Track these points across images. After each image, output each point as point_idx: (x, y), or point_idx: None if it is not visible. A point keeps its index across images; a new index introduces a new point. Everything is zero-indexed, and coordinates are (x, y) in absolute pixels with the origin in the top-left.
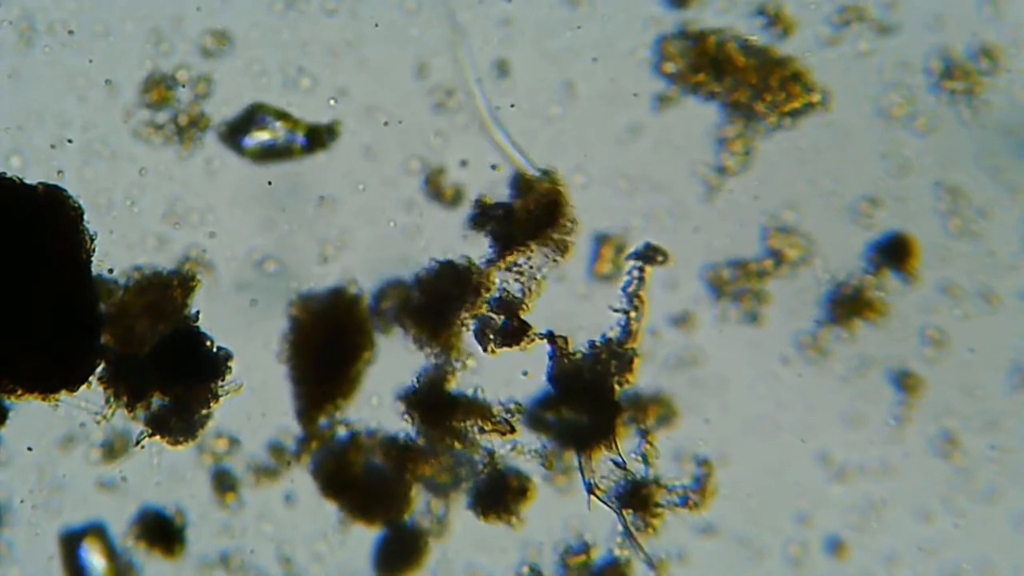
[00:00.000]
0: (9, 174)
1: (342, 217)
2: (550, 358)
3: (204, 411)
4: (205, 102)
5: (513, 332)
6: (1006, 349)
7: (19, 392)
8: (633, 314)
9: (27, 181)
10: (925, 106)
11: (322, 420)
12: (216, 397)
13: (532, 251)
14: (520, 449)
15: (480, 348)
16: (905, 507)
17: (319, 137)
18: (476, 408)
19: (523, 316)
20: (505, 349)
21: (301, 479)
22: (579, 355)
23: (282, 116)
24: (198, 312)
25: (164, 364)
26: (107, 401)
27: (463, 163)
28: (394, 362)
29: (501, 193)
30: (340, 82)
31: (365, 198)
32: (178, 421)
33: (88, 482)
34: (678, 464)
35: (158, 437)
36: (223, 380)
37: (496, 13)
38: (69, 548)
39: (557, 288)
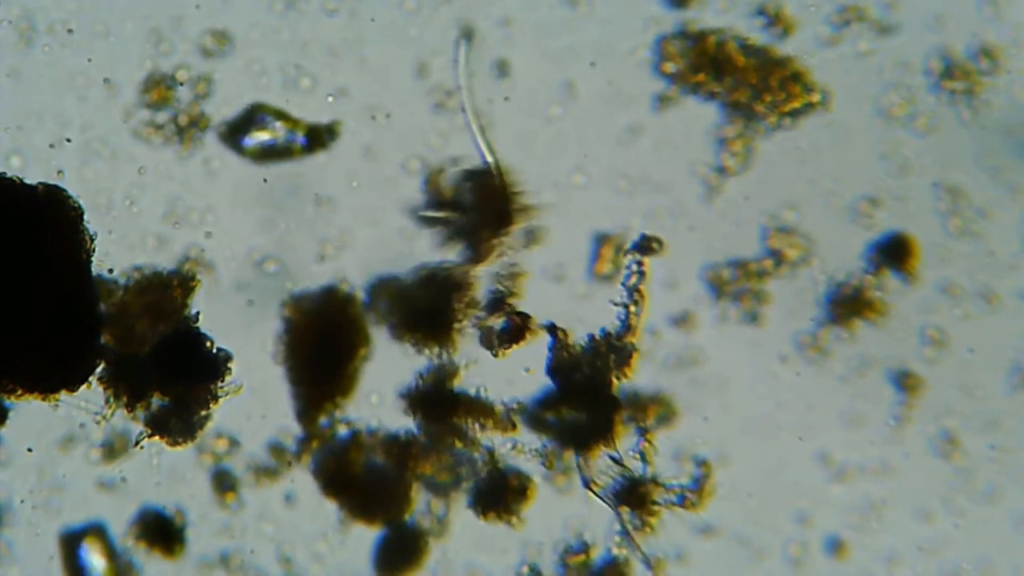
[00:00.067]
0: (9, 174)
1: (342, 217)
2: (549, 350)
3: (204, 412)
4: (205, 102)
5: (515, 330)
6: (1006, 349)
7: (19, 392)
8: (633, 308)
9: (27, 181)
10: (925, 106)
11: (322, 420)
12: (216, 398)
13: (500, 246)
14: (520, 448)
15: (490, 354)
16: (905, 507)
17: (319, 137)
18: (478, 407)
19: (519, 310)
20: (514, 348)
21: (301, 479)
22: (578, 348)
23: (282, 116)
24: (198, 312)
25: (164, 364)
26: (107, 401)
27: (458, 162)
28: (393, 359)
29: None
30: (340, 82)
31: (365, 198)
32: (178, 421)
33: (88, 482)
34: (677, 464)
35: (158, 437)
36: (223, 381)
37: (496, 13)
38: (69, 548)
39: (557, 288)
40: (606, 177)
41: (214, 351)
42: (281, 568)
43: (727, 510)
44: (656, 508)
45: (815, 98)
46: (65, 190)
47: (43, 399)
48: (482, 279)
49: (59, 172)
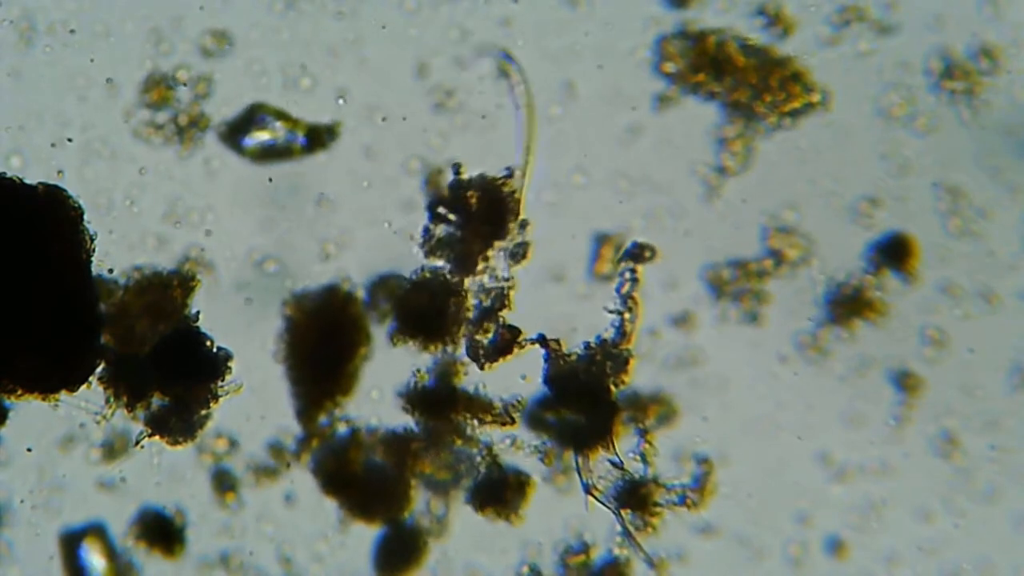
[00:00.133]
0: (9, 174)
1: (342, 217)
2: (545, 361)
3: (204, 411)
4: (205, 102)
5: (503, 345)
6: (1006, 349)
7: (19, 392)
8: (627, 315)
9: (27, 181)
10: (925, 106)
11: (322, 418)
12: (216, 397)
13: (491, 259)
14: (519, 444)
15: (476, 367)
16: (905, 507)
17: (319, 137)
18: (477, 403)
19: (510, 324)
20: (501, 362)
21: (301, 479)
22: (574, 356)
23: (282, 116)
24: (198, 312)
25: (164, 364)
26: (107, 401)
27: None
28: (393, 357)
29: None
30: (340, 82)
31: (365, 198)
32: (178, 421)
33: (88, 482)
34: (677, 464)
35: (158, 437)
36: (223, 380)
37: (496, 13)
38: (69, 548)
39: (557, 288)
40: (606, 177)
41: (214, 351)
42: (281, 568)
43: (727, 510)
44: (658, 509)
45: (815, 98)
46: (65, 190)
47: (43, 399)
48: (473, 290)
49: (59, 172)
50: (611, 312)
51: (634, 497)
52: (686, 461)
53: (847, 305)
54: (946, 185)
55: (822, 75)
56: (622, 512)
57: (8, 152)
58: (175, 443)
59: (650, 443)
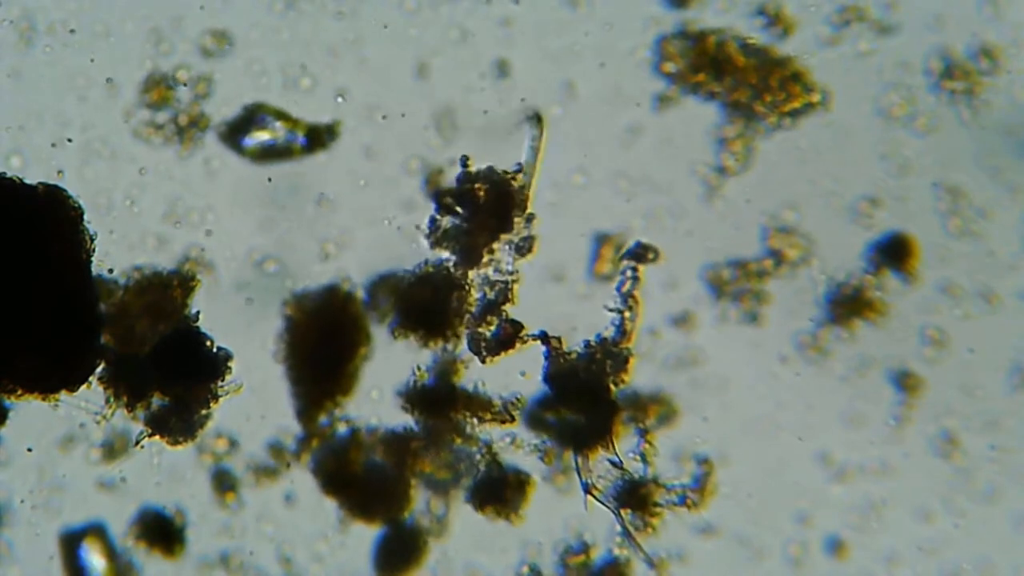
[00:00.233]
0: (9, 174)
1: (342, 217)
2: (545, 358)
3: (204, 411)
4: (205, 102)
5: (505, 339)
6: (1006, 349)
7: (19, 392)
8: (627, 314)
9: (27, 181)
10: (925, 106)
11: (322, 418)
12: (216, 397)
13: (496, 252)
14: (519, 443)
15: (478, 360)
16: (905, 507)
17: (319, 137)
18: (476, 401)
19: (512, 318)
20: (503, 356)
21: (301, 479)
22: (574, 355)
23: (282, 116)
24: (198, 312)
25: (164, 364)
26: (107, 401)
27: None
28: (392, 357)
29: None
30: (340, 82)
31: (365, 198)
32: (178, 421)
33: (88, 482)
34: (678, 463)
35: (158, 437)
36: (223, 380)
37: (497, 13)
38: (69, 548)
39: (557, 288)
40: (606, 177)
41: (214, 350)
42: (281, 568)
43: (727, 510)
44: (658, 509)
45: (815, 98)
46: (65, 190)
47: (43, 399)
48: (477, 282)
49: (59, 172)
50: (611, 311)
51: (634, 497)
52: (686, 461)
53: (847, 305)
54: (946, 185)
55: (822, 75)
56: (622, 512)
57: (8, 152)
58: (175, 443)
59: (650, 443)
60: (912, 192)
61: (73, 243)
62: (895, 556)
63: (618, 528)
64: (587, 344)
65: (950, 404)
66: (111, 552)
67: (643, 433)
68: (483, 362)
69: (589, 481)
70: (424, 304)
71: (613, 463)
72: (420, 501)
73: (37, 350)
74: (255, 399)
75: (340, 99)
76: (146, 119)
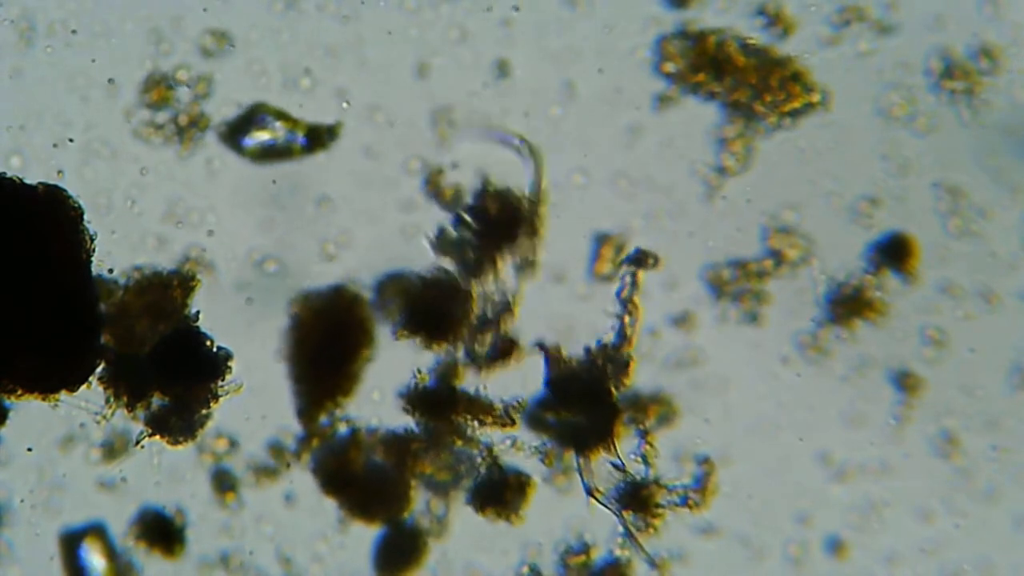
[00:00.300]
0: (9, 174)
1: (342, 217)
2: (545, 367)
3: (204, 411)
4: (205, 102)
5: (499, 357)
6: (1006, 349)
7: (19, 392)
8: (628, 319)
9: (27, 181)
10: (925, 106)
11: (323, 418)
12: (216, 397)
13: (500, 270)
14: (520, 445)
15: (474, 373)
16: (905, 507)
17: (319, 137)
18: (477, 405)
19: (508, 336)
20: (499, 370)
21: (301, 479)
22: (575, 361)
23: (282, 116)
24: (198, 312)
25: (164, 364)
26: (107, 401)
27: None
28: (395, 358)
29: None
30: (340, 82)
31: (365, 198)
32: (178, 421)
33: (88, 482)
34: (678, 464)
35: (158, 437)
36: (223, 380)
37: (497, 14)
38: (69, 548)
39: (557, 289)
40: (606, 177)
41: (214, 350)
42: (281, 568)
43: (728, 510)
44: (660, 510)
45: (815, 98)
46: (65, 190)
47: (43, 399)
48: (479, 297)
49: (59, 172)
50: (611, 316)
51: (636, 499)
52: (687, 462)
53: (847, 305)
54: (946, 185)
55: (822, 75)
56: (624, 514)
57: (8, 152)
58: (175, 443)
59: (651, 444)
60: (912, 192)
61: (73, 243)
62: (895, 556)
63: (620, 529)
64: (588, 350)
65: (950, 404)
66: (111, 552)
67: (643, 434)
68: (479, 375)
69: (592, 484)
70: (430, 307)
71: (615, 466)
72: (420, 501)
73: (37, 350)
74: (255, 399)
75: (345, 104)
76: (146, 119)
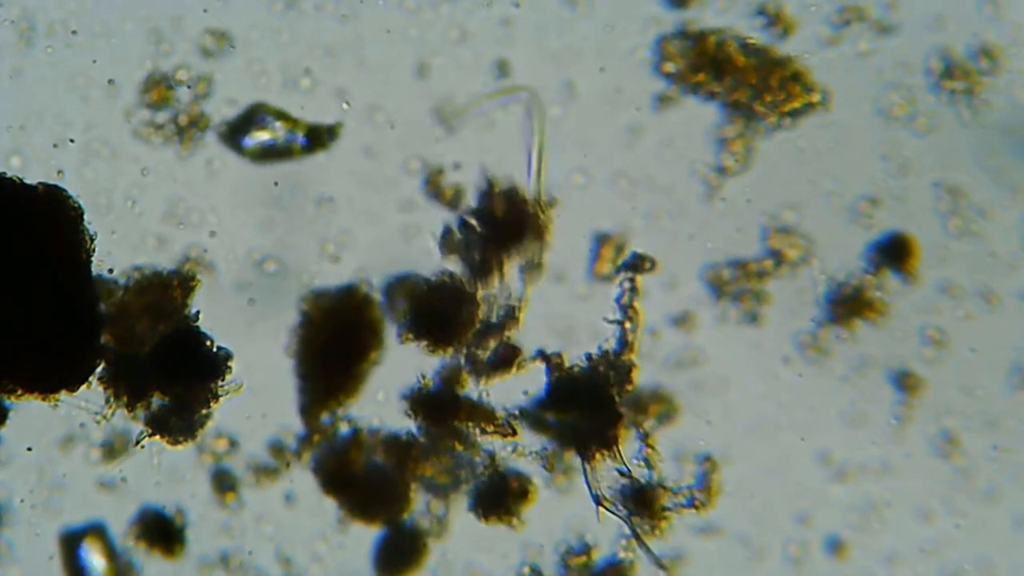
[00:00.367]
0: (9, 174)
1: (342, 217)
2: (547, 375)
3: (204, 411)
4: (205, 102)
5: (500, 364)
6: (1006, 349)
7: (19, 392)
8: (628, 325)
9: (27, 181)
10: (925, 106)
11: (325, 417)
12: (216, 397)
13: (505, 273)
14: (521, 451)
15: (475, 381)
16: (905, 507)
17: (319, 137)
18: (480, 411)
19: (511, 343)
20: (499, 379)
21: (301, 479)
22: (576, 368)
23: (282, 116)
24: (198, 312)
25: (164, 364)
26: (107, 401)
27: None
28: (400, 361)
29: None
30: (340, 82)
31: (365, 198)
32: (178, 421)
33: (88, 482)
34: (679, 464)
35: (158, 437)
36: (223, 380)
37: (497, 13)
38: (69, 548)
39: (557, 289)
40: (606, 177)
41: (214, 350)
42: (281, 568)
43: (728, 510)
44: (666, 513)
45: (815, 98)
46: (65, 190)
47: (43, 399)
48: (483, 301)
49: (59, 172)
50: (611, 323)
51: (642, 503)
52: (687, 462)
53: (847, 305)
54: (946, 185)
55: (822, 75)
56: (632, 520)
57: (8, 152)
58: (175, 443)
59: (652, 446)
60: (912, 192)
61: (73, 243)
62: (895, 556)
63: (625, 531)
64: (589, 357)
65: (950, 404)
66: (111, 552)
67: (644, 437)
68: (478, 384)
69: (599, 492)
70: (436, 312)
71: (620, 472)
72: (420, 502)
73: (37, 350)
74: (255, 399)
75: (345, 106)
76: (146, 119)
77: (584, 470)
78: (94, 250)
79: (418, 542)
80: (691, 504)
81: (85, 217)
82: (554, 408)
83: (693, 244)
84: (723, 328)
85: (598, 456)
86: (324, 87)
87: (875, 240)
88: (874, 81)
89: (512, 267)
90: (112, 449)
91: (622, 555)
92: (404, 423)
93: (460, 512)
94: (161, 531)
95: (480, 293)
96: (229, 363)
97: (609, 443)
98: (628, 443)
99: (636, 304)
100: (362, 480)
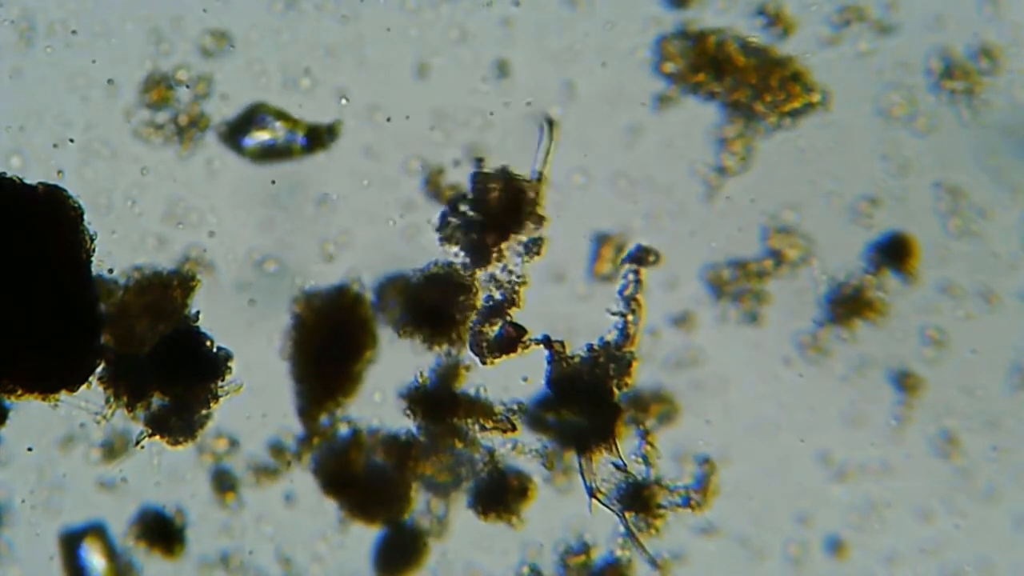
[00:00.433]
0: (9, 174)
1: (342, 217)
2: (548, 363)
3: (204, 411)
4: (205, 102)
5: (508, 341)
6: (1006, 349)
7: (19, 392)
8: (630, 317)
9: (27, 181)
10: (925, 106)
11: (323, 418)
12: (216, 397)
13: (505, 252)
14: (521, 449)
15: (478, 361)
16: (905, 507)
17: (319, 137)
18: (478, 407)
19: (516, 321)
20: (503, 358)
21: (301, 479)
22: (577, 359)
23: (282, 116)
24: (198, 312)
25: (164, 364)
26: (107, 401)
27: (459, 161)
28: (397, 359)
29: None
30: (340, 82)
31: (365, 198)
32: (178, 421)
33: (88, 482)
34: (679, 464)
35: (158, 437)
36: (223, 380)
37: (497, 13)
38: (69, 548)
39: (557, 289)
40: (606, 177)
41: (214, 351)
42: (281, 568)
43: (728, 510)
44: (662, 511)
45: (815, 98)
46: (65, 190)
47: (43, 399)
48: (483, 283)
49: (59, 172)
50: (614, 314)
51: (638, 499)
52: (687, 461)
53: (847, 305)
54: (946, 185)
55: (822, 75)
56: (626, 515)
57: (8, 152)
58: (175, 443)
59: (651, 444)
60: (912, 192)
61: (73, 243)
62: (895, 556)
63: (621, 529)
64: (590, 348)
65: (950, 404)
66: (111, 552)
67: (644, 435)
68: (484, 363)
69: (593, 485)
70: (430, 304)
71: (617, 466)
72: (420, 501)
73: (37, 350)
74: (255, 399)
75: (344, 101)
76: (146, 119)
77: (580, 462)
78: (94, 250)
79: (418, 542)
80: (687, 504)
81: (85, 217)
82: (553, 398)
83: (693, 244)
84: (723, 328)
85: (596, 449)
86: (324, 87)
87: (875, 240)
88: (874, 81)
89: (509, 245)
90: (112, 449)
91: (618, 553)
92: (403, 423)
93: (460, 511)
94: (161, 531)
95: (479, 275)
96: (229, 363)
97: (607, 436)
98: (627, 440)
99: (639, 297)
100: (362, 480)
